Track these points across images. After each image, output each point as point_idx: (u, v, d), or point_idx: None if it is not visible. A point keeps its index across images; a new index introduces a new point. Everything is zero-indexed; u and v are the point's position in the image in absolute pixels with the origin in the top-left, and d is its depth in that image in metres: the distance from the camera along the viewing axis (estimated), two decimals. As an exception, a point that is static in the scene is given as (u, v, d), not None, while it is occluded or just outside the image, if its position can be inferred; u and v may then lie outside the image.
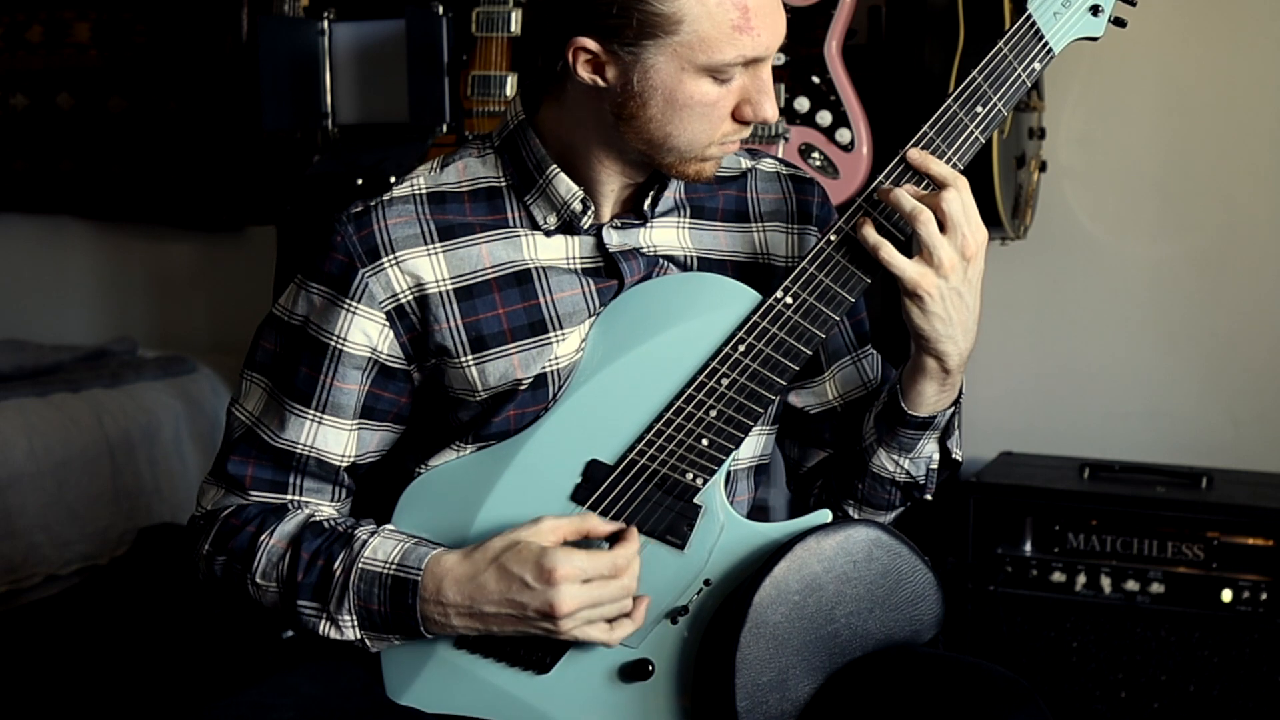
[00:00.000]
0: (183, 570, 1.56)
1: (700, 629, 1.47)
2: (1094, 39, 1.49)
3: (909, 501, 1.59)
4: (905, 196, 1.41)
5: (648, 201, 1.52)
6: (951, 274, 1.42)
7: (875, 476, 1.56)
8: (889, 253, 1.41)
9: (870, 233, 1.42)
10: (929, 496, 1.60)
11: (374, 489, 1.56)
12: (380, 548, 1.43)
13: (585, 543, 1.43)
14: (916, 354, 1.48)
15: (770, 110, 1.42)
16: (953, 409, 1.53)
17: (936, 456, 1.57)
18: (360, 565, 1.42)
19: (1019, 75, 1.45)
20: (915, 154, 1.44)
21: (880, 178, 1.45)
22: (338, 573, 1.43)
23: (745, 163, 1.62)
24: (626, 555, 1.40)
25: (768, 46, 1.40)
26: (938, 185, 1.42)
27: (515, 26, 2.52)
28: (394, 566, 1.42)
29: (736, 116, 1.43)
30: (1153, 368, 2.91)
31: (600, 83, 1.41)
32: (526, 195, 1.50)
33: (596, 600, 1.38)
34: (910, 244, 1.43)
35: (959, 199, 1.41)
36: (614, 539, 1.43)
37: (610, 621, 1.41)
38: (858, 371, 1.63)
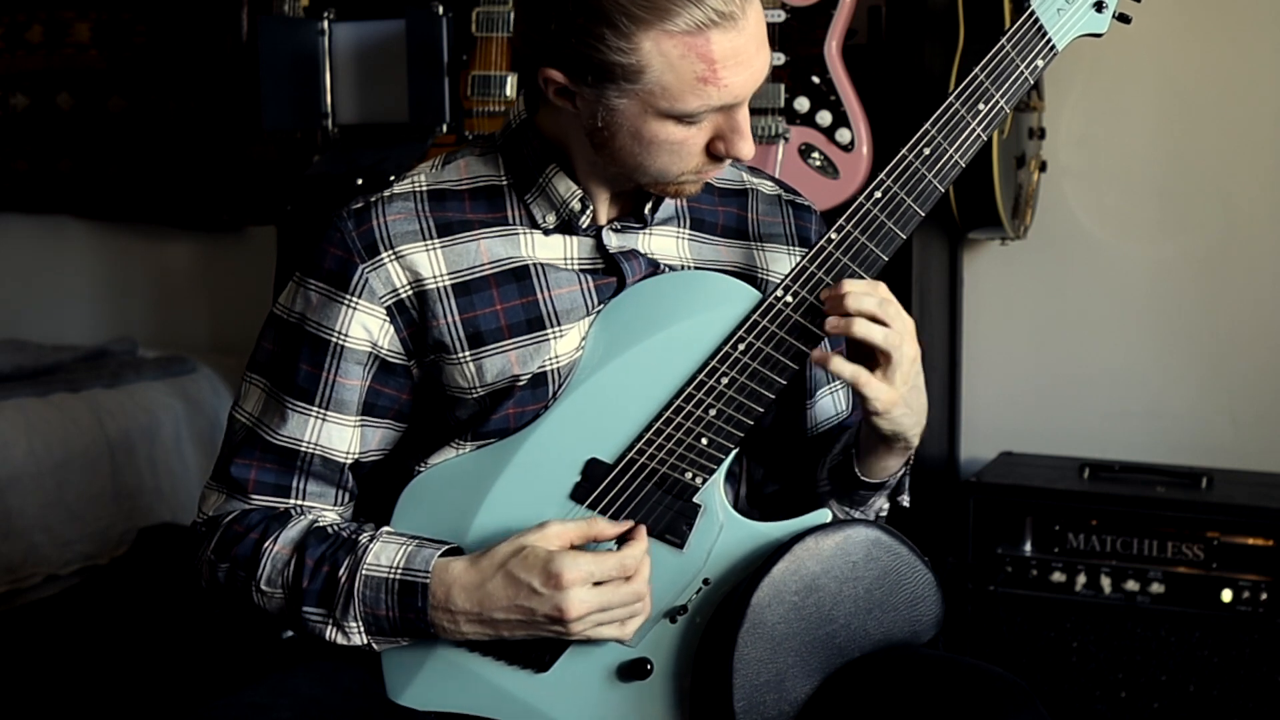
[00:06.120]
0: (183, 572, 1.56)
1: (699, 628, 1.47)
2: (1098, 35, 1.49)
3: None
4: (843, 363, 1.41)
5: (648, 206, 1.52)
6: (907, 380, 1.42)
7: None
8: (866, 380, 1.41)
9: (845, 364, 1.42)
10: None
11: (375, 488, 1.56)
12: (382, 553, 1.43)
13: (593, 546, 1.43)
14: (881, 441, 1.48)
15: (745, 149, 1.41)
16: (904, 468, 1.55)
17: (887, 508, 1.59)
18: (364, 572, 1.42)
19: (1022, 72, 1.45)
20: (827, 293, 1.41)
21: (869, 188, 1.44)
22: (343, 579, 1.43)
23: (746, 178, 1.62)
24: (635, 556, 1.40)
25: (736, 95, 1.37)
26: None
27: (515, 26, 2.52)
28: (399, 571, 1.42)
29: (710, 151, 1.42)
30: (1153, 368, 2.91)
31: (571, 109, 1.42)
32: (526, 194, 1.50)
33: (606, 604, 1.38)
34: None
35: (885, 328, 1.40)
36: (621, 540, 1.43)
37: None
38: (833, 402, 1.64)
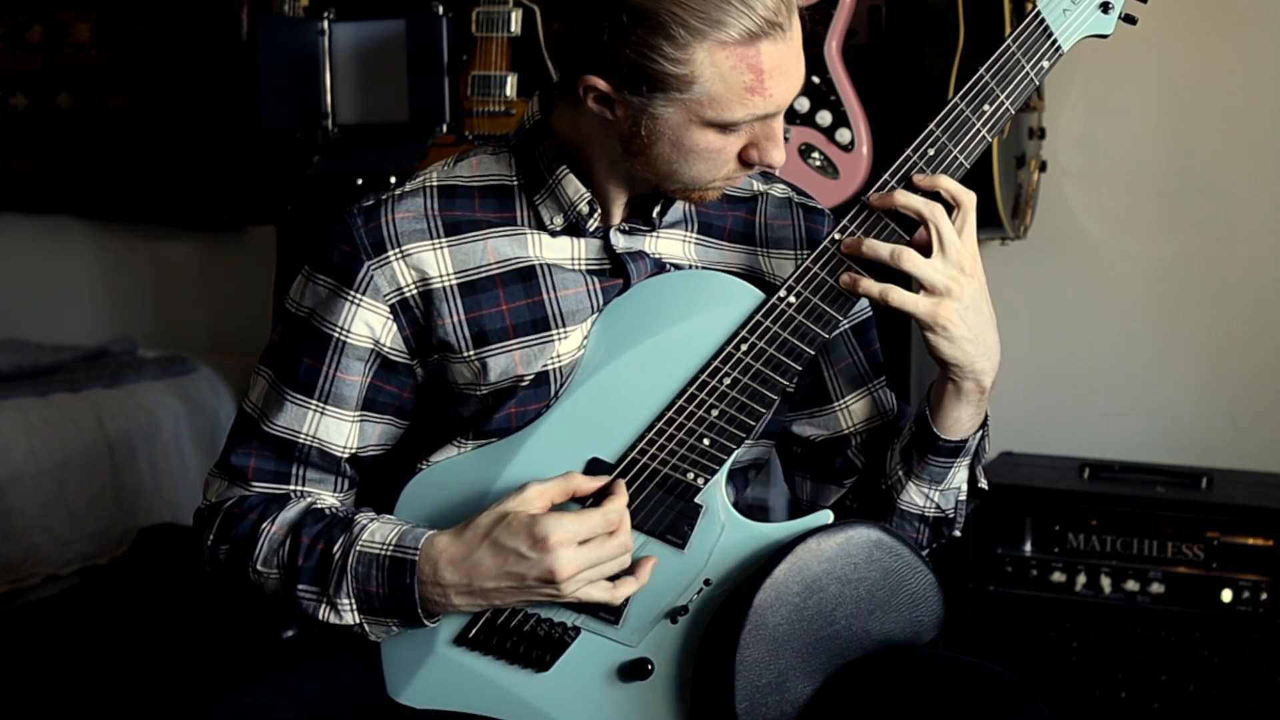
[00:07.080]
0: (186, 567, 1.57)
1: (700, 629, 1.47)
2: (1104, 36, 1.49)
3: (937, 540, 1.58)
4: (879, 245, 1.41)
5: (656, 209, 1.52)
6: (961, 293, 1.42)
7: (903, 514, 1.55)
8: (899, 296, 1.41)
9: (872, 284, 1.42)
10: (958, 532, 1.59)
11: (377, 484, 1.56)
12: (378, 531, 1.44)
13: (572, 503, 1.43)
14: (950, 381, 1.47)
15: (778, 157, 1.42)
16: (982, 430, 1.53)
17: (965, 486, 1.57)
18: (358, 548, 1.43)
19: (1027, 73, 1.45)
20: (921, 178, 1.43)
21: (874, 191, 1.44)
22: (336, 556, 1.43)
23: (757, 185, 1.62)
24: (617, 510, 1.40)
25: (779, 105, 1.39)
26: (945, 204, 1.42)
27: (515, 26, 2.52)
28: (391, 548, 1.42)
29: (742, 158, 1.43)
30: (1153, 368, 2.91)
31: (609, 116, 1.42)
32: (536, 195, 1.50)
33: (595, 560, 1.38)
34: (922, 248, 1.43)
35: (947, 221, 1.41)
36: (600, 496, 1.42)
37: (613, 580, 1.41)
38: (874, 403, 1.62)
